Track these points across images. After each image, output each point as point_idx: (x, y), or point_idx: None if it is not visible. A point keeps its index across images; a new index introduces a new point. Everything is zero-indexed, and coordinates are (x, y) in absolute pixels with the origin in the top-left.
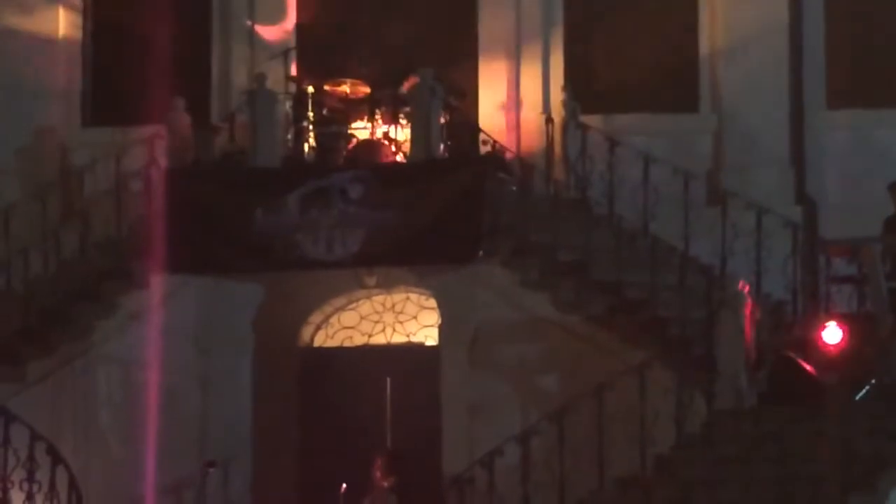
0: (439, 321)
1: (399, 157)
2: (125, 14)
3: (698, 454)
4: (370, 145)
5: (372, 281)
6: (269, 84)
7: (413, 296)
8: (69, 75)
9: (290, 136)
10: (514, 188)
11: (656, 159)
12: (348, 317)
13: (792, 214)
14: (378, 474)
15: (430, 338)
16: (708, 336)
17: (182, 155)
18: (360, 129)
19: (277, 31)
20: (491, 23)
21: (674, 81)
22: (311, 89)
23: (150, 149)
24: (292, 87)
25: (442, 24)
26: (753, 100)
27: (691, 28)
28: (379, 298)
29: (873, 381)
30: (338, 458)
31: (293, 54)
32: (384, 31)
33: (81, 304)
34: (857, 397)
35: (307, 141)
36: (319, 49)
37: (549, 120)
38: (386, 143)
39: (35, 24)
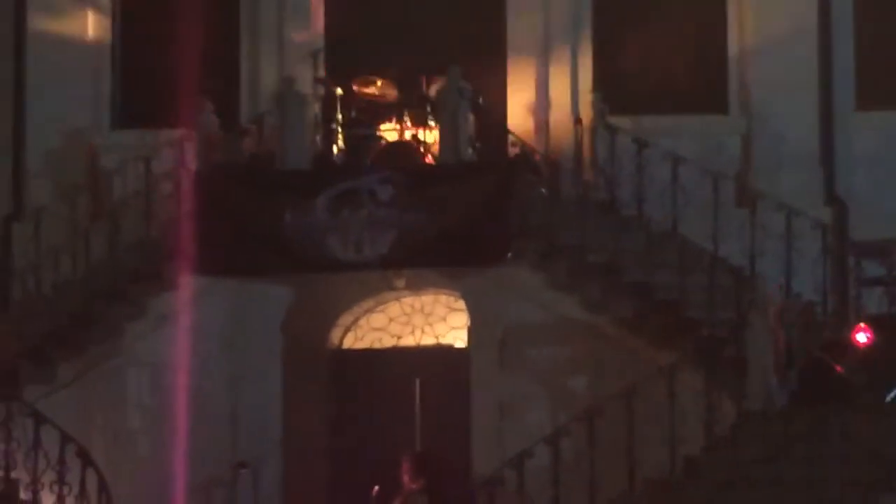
0: (468, 323)
1: (428, 159)
2: (154, 17)
3: (728, 455)
4: (399, 147)
5: (401, 283)
6: (298, 86)
7: (442, 297)
8: (98, 78)
9: (318, 138)
10: (543, 190)
11: (685, 160)
12: (377, 318)
13: (821, 215)
14: (406, 477)
15: (460, 339)
16: (737, 337)
17: (211, 157)
18: (389, 131)
19: (306, 32)
20: (519, 24)
21: (703, 83)
22: (339, 91)
23: (179, 151)
24: (321, 89)
25: (470, 26)
26: (783, 101)
27: (720, 29)
28: (408, 300)
29: None
30: (367, 460)
31: (322, 56)
32: (412, 33)
33: (111, 305)
34: (887, 399)
35: (336, 142)
36: (348, 50)
37: (577, 121)
38: (415, 144)
39: (64, 26)
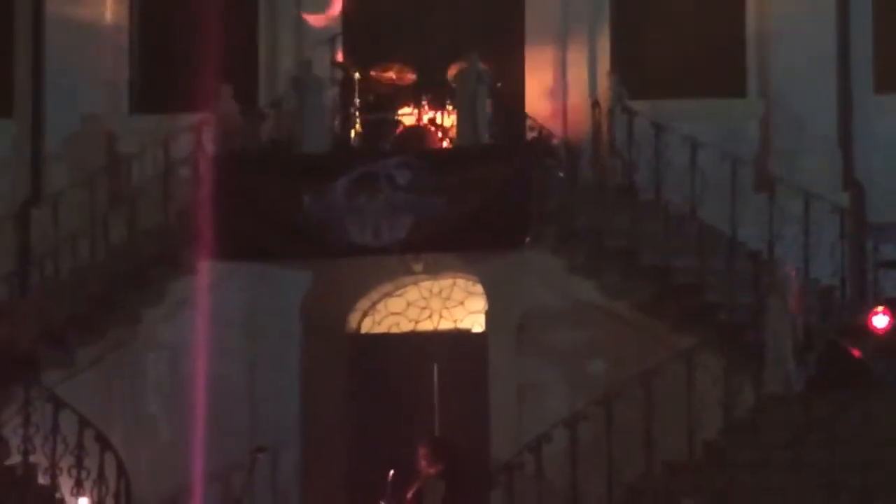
0: (486, 307)
1: (446, 144)
2: (172, 1)
3: (747, 440)
4: (417, 131)
5: (419, 267)
6: (316, 70)
7: (460, 282)
8: (116, 63)
9: (336, 123)
10: (561, 174)
11: (703, 144)
12: (395, 303)
13: (839, 200)
14: (423, 462)
15: (478, 324)
16: (756, 322)
17: (229, 142)
18: (407, 115)
19: (324, 17)
20: (537, 7)
21: (721, 66)
22: (357, 75)
23: (197, 136)
24: (339, 74)
25: (488, 10)
26: (801, 85)
27: (738, 12)
28: (426, 284)
29: None
30: (386, 444)
31: (339, 40)
32: (430, 17)
33: (130, 290)
34: None
35: (354, 127)
36: (365, 35)
37: (595, 105)
38: (433, 129)
39: (82, 11)
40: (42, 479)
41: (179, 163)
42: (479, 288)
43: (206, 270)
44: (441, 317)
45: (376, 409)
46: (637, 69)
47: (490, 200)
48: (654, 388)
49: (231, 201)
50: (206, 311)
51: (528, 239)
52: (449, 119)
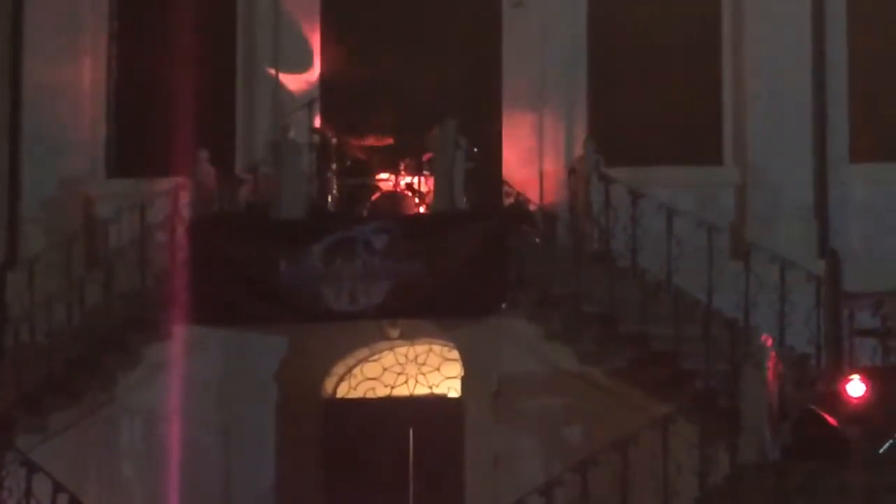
0: (462, 373)
1: (422, 209)
2: (150, 66)
3: None
4: (394, 197)
5: (395, 332)
6: (294, 135)
7: (436, 347)
8: (94, 126)
9: (314, 188)
10: (538, 240)
11: (680, 212)
12: (371, 368)
13: (815, 268)
14: None
15: (453, 389)
16: (732, 389)
17: (206, 206)
18: (384, 181)
19: (301, 81)
20: (514, 74)
21: (698, 134)
22: (334, 140)
23: (174, 200)
24: (316, 139)
25: (466, 75)
26: (777, 153)
27: (715, 81)
28: (402, 350)
29: None
30: None
31: (317, 105)
32: (408, 83)
33: (105, 354)
34: (881, 450)
35: (331, 192)
36: (343, 100)
37: (572, 172)
38: (409, 194)
39: (60, 75)
40: None
41: (156, 227)
42: (455, 354)
43: (182, 335)
44: (417, 382)
45: (352, 474)
46: (614, 136)
47: (466, 266)
48: (630, 455)
49: (207, 266)
50: (181, 376)
51: (504, 305)
52: (426, 184)
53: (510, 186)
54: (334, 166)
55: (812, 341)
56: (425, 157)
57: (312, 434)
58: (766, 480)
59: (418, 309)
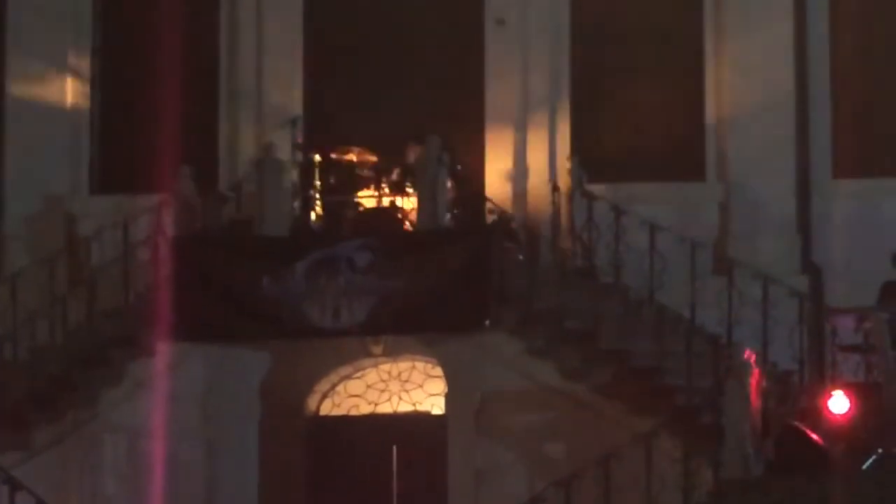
0: (446, 390)
1: (406, 226)
2: (133, 83)
3: None
4: (377, 214)
5: (378, 349)
6: (277, 152)
7: (419, 364)
8: (77, 144)
9: (297, 205)
10: (521, 257)
11: (662, 228)
12: (354, 385)
13: (798, 283)
14: None
15: (437, 406)
16: (714, 405)
17: (189, 223)
18: (367, 198)
19: (285, 99)
20: (497, 91)
21: (680, 150)
22: (317, 157)
23: (157, 217)
24: (299, 156)
25: (449, 92)
26: (760, 169)
27: (698, 97)
28: (385, 367)
29: (880, 450)
30: None
31: (300, 122)
32: (391, 100)
33: (88, 371)
34: (864, 466)
35: (314, 209)
36: (326, 117)
37: (555, 188)
38: (393, 211)
39: (44, 93)
40: None
41: (139, 244)
42: (438, 370)
43: (165, 352)
44: (400, 399)
45: (335, 491)
46: (597, 152)
47: (449, 283)
48: (612, 471)
49: (190, 283)
50: (164, 393)
51: (487, 322)
52: (409, 202)
53: (493, 203)
54: (318, 183)
55: (795, 357)
56: (394, 172)
57: (296, 451)
58: (750, 496)
59: (402, 326)
